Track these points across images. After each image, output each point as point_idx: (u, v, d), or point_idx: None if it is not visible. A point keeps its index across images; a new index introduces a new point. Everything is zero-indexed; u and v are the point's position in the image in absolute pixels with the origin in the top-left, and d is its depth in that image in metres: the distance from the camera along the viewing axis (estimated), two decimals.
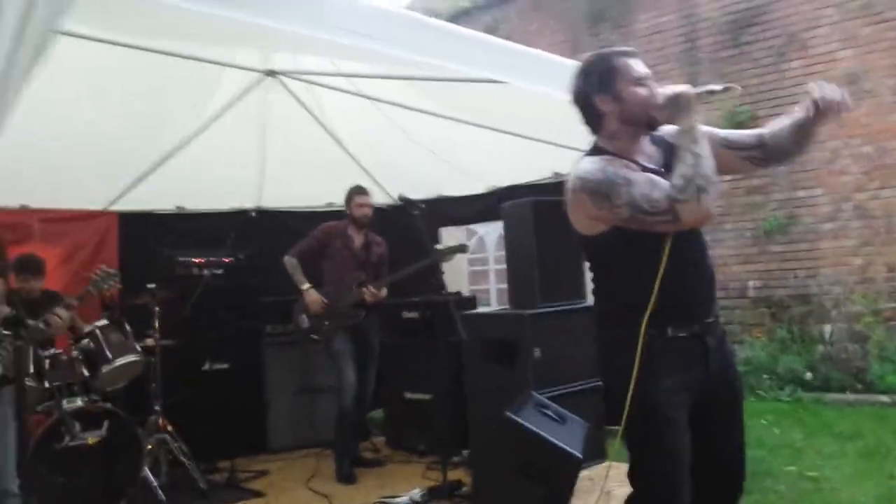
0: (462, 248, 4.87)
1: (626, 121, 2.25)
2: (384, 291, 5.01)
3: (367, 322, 5.01)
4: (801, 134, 2.27)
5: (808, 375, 7.10)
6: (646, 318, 2.18)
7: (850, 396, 6.67)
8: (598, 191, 2.14)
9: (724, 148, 2.32)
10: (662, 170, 2.23)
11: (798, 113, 2.24)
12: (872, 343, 7.10)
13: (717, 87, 2.17)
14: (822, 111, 2.18)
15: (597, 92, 2.26)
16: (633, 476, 2.31)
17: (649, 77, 2.25)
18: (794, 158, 2.39)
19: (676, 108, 2.15)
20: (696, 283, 2.29)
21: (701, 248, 2.35)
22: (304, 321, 4.99)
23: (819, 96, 2.17)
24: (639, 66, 2.26)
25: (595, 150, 2.31)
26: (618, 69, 2.25)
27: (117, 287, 4.09)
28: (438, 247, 4.89)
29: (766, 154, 2.33)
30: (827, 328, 7.49)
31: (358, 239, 5.11)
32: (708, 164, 2.08)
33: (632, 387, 2.17)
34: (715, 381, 2.29)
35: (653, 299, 2.17)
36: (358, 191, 5.14)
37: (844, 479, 4.31)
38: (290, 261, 5.03)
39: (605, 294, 2.40)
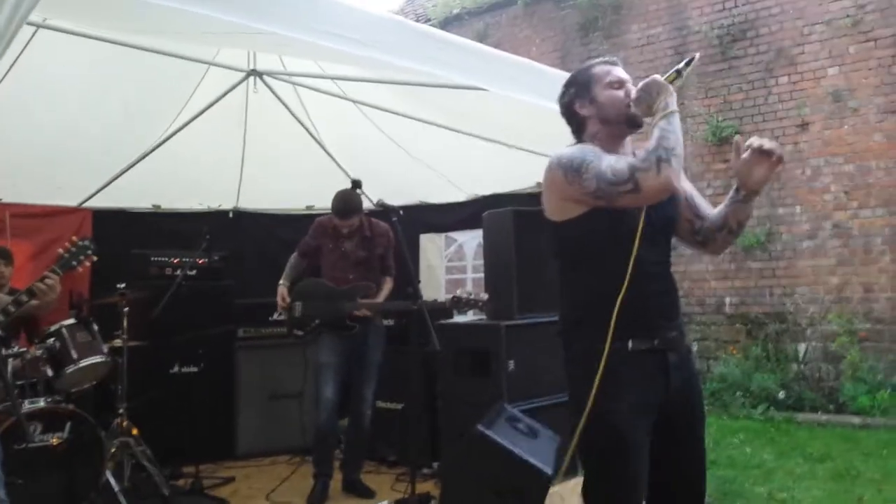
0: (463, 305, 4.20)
1: (605, 121, 2.32)
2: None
3: (366, 333, 4.55)
4: (732, 210, 2.31)
5: (781, 394, 7.12)
6: (611, 327, 2.14)
7: (822, 417, 6.69)
8: (571, 165, 2.20)
9: (686, 200, 2.39)
10: None
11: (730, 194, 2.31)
12: (846, 363, 7.13)
13: (681, 65, 2.23)
14: (755, 159, 2.19)
15: (577, 98, 2.37)
16: (586, 496, 2.27)
17: (627, 81, 2.33)
18: (723, 239, 2.39)
19: (649, 96, 2.18)
20: (659, 294, 2.27)
21: (664, 260, 2.35)
22: (298, 309, 4.56)
23: (757, 145, 2.19)
24: (617, 72, 2.35)
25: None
26: (595, 75, 2.36)
27: (92, 260, 3.68)
28: (425, 300, 4.12)
29: (703, 230, 2.39)
30: (801, 347, 7.52)
31: (350, 240, 4.61)
32: (673, 137, 2.10)
33: (590, 403, 2.14)
34: (675, 401, 2.25)
35: (618, 302, 2.13)
36: (340, 213, 4.48)
37: (814, 502, 4.30)
38: (292, 257, 4.74)
39: (568, 300, 2.36)
